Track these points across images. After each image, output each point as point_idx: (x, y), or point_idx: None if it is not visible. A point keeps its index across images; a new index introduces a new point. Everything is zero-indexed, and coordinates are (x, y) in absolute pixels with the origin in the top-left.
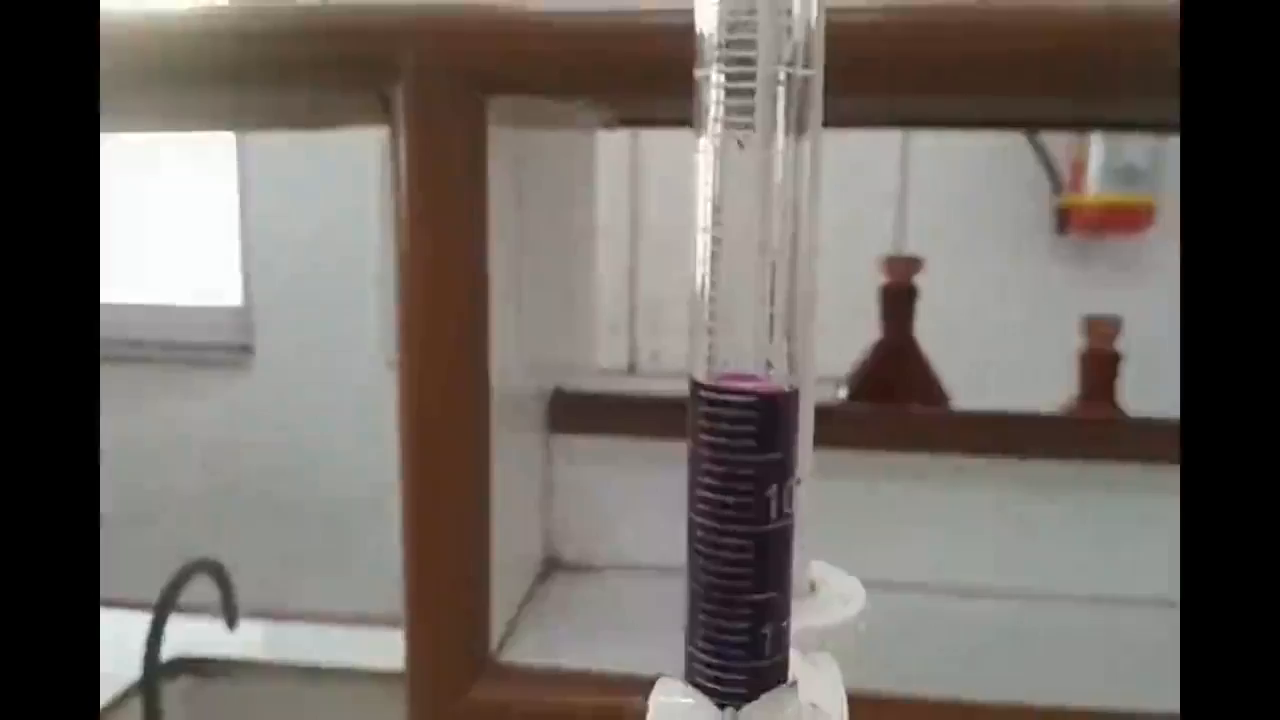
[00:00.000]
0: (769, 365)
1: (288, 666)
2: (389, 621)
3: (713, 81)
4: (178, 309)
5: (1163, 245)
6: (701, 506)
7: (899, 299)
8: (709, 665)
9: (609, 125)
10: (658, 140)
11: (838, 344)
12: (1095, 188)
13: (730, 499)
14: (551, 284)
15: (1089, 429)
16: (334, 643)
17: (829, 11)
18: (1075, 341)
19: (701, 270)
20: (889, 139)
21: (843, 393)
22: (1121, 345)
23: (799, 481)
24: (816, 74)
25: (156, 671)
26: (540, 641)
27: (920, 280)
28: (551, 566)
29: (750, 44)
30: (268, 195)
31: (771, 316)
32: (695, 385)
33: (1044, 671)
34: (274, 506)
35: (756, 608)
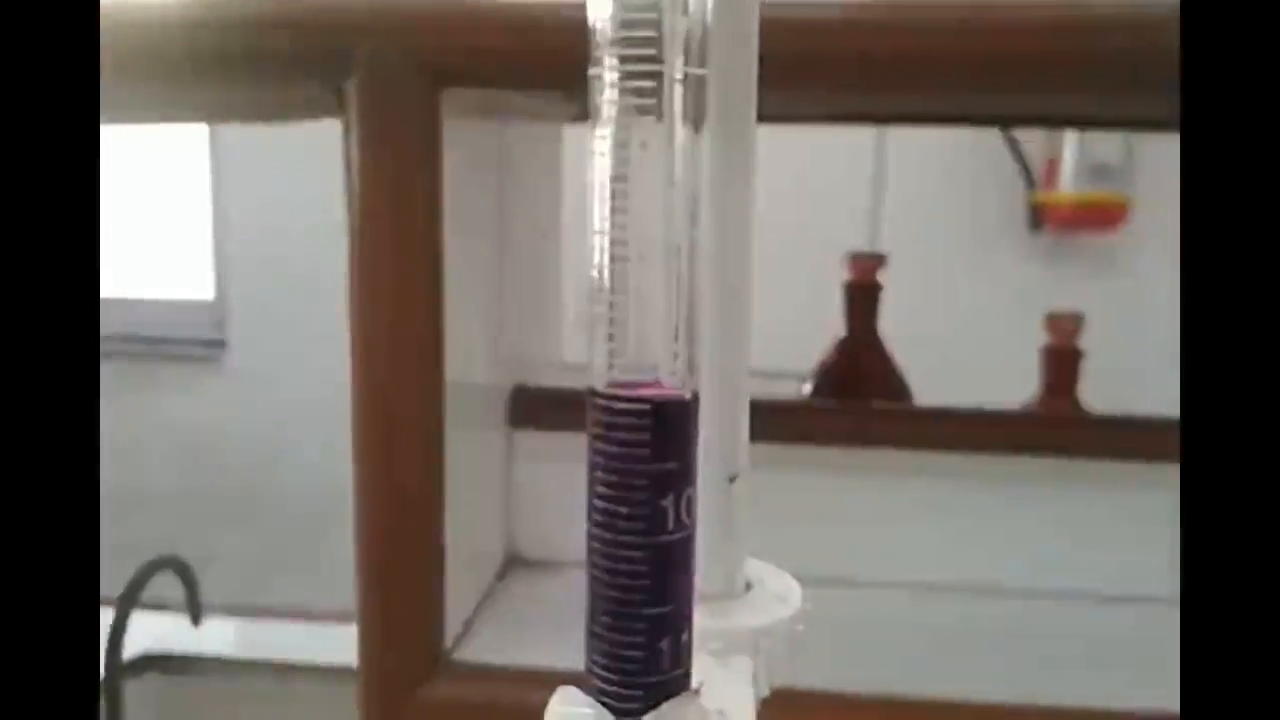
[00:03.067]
0: (671, 371)
1: (255, 663)
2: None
3: (607, 80)
4: (150, 303)
5: (1135, 242)
6: (597, 517)
7: (862, 295)
8: (607, 680)
9: (577, 119)
10: None
11: (808, 339)
12: (1069, 185)
13: (625, 509)
14: (516, 279)
15: (1049, 425)
16: (304, 639)
17: (803, 6)
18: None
19: (598, 273)
20: (863, 135)
21: (807, 388)
22: (1085, 342)
23: (734, 478)
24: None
25: (118, 668)
26: (498, 638)
27: (892, 276)
28: (512, 563)
29: (648, 41)
30: (241, 188)
31: (674, 321)
32: (590, 392)
33: (1003, 667)
34: (246, 502)
35: (653, 622)
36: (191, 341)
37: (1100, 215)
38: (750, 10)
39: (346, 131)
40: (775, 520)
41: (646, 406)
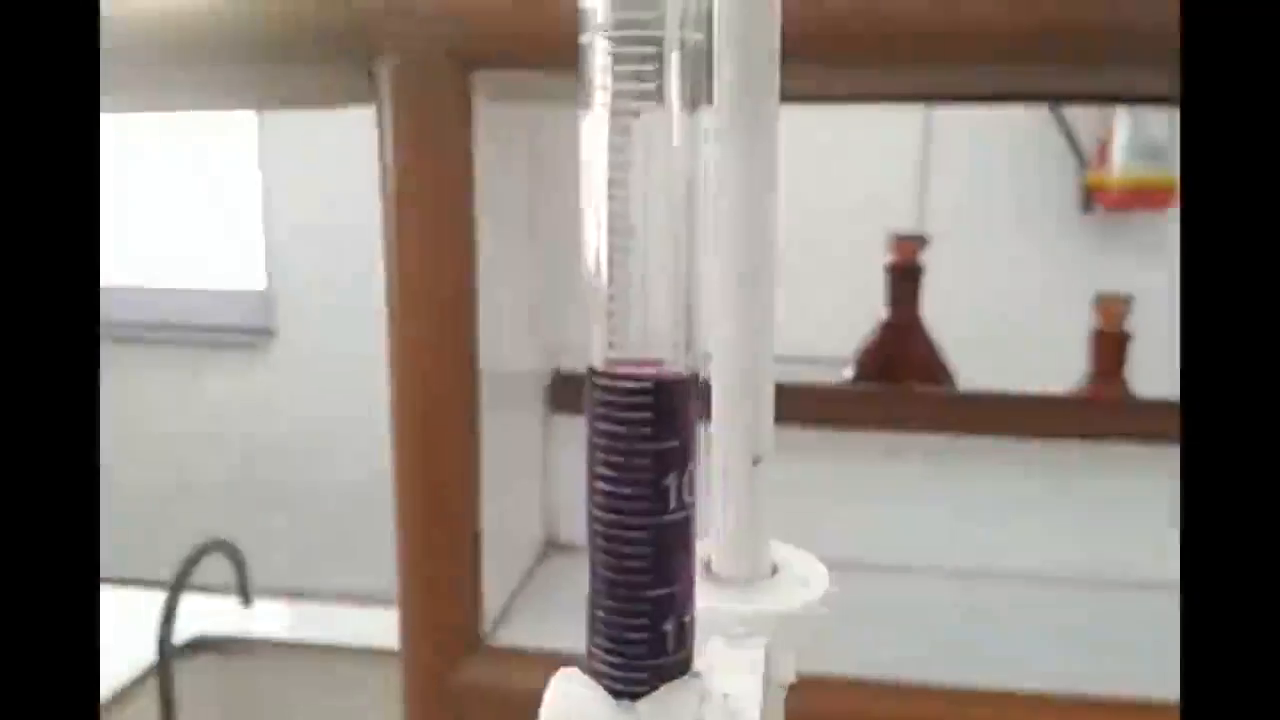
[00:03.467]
0: (670, 350)
1: (304, 644)
2: None
3: (598, 48)
4: (201, 293)
5: None
6: (598, 498)
7: (904, 277)
8: (609, 662)
9: None
10: None
11: (854, 323)
12: (1120, 165)
13: (627, 489)
14: (552, 263)
15: (1095, 409)
16: (351, 622)
17: None
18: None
19: (597, 254)
20: (910, 116)
21: (849, 372)
22: (1135, 324)
23: (758, 460)
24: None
25: (170, 650)
26: (535, 622)
27: (939, 259)
28: (550, 547)
29: (644, 21)
30: (290, 180)
31: (672, 300)
32: (590, 372)
33: (1055, 655)
34: (294, 487)
35: (656, 603)
36: (241, 329)
37: (1152, 195)
38: None
39: (379, 115)
40: (809, 504)
41: (647, 385)
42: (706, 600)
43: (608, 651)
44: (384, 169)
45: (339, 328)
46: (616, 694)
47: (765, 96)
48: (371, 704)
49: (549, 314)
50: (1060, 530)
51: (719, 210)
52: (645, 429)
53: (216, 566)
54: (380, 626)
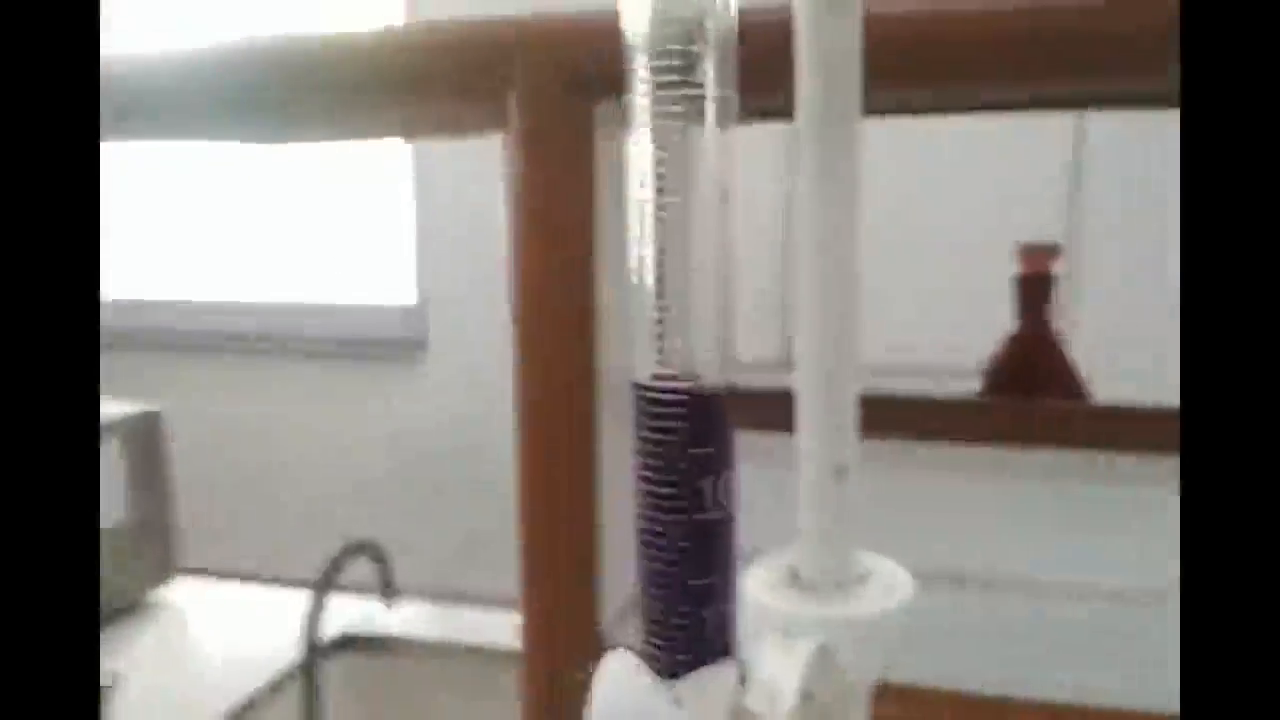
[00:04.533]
0: (706, 364)
1: (446, 645)
2: None
3: (641, 86)
4: (356, 308)
5: None
6: (643, 498)
7: (1034, 288)
8: (653, 644)
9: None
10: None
11: (982, 335)
12: None
13: (665, 490)
14: None
15: None
16: (489, 624)
17: None
18: None
19: (638, 276)
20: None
21: (979, 386)
22: None
23: (842, 471)
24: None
25: (316, 648)
26: None
27: (1091, 269)
28: None
29: (684, 52)
30: (442, 199)
31: (708, 318)
32: (634, 385)
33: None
34: (446, 496)
35: (695, 592)
36: (395, 343)
37: None
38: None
39: (507, 144)
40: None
41: (684, 397)
42: (786, 603)
43: (651, 634)
44: (512, 196)
45: (485, 341)
46: (660, 674)
47: (847, 113)
48: (506, 704)
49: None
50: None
51: (801, 224)
52: (681, 436)
53: (363, 568)
54: (515, 628)
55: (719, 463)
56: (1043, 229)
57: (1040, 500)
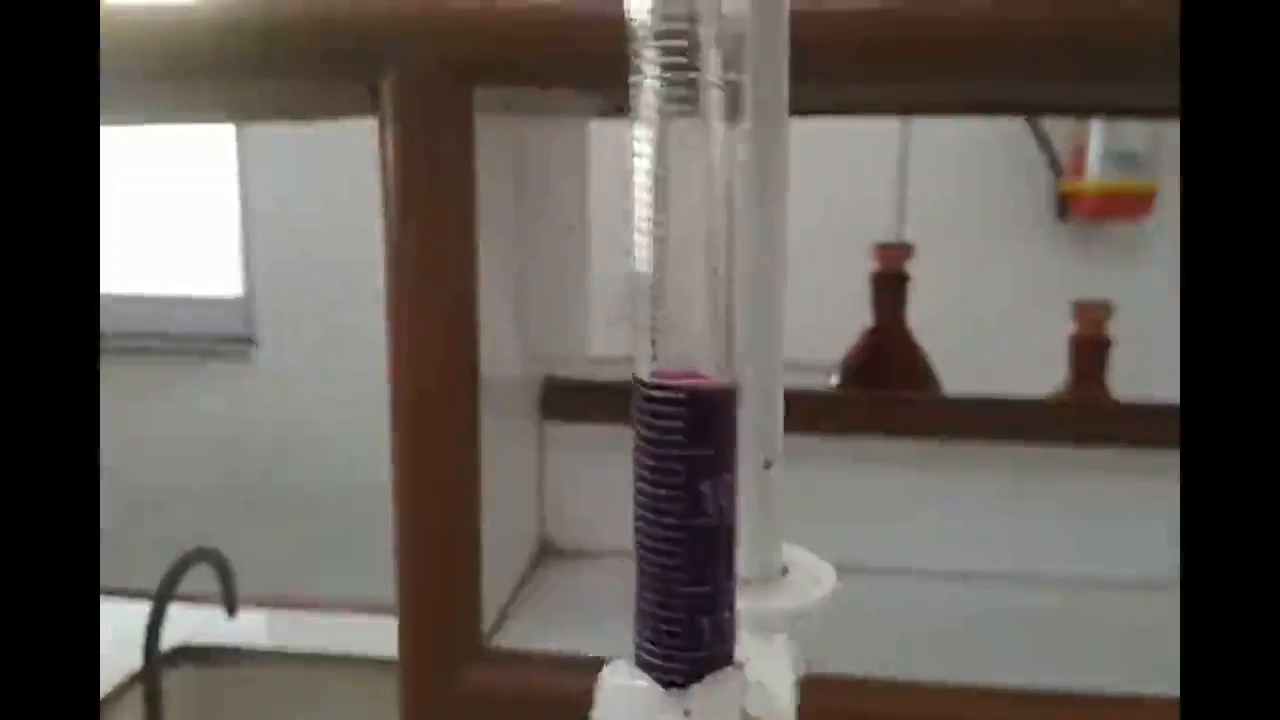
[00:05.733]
0: (710, 361)
1: (290, 654)
2: (393, 610)
3: (646, 78)
4: (179, 300)
5: (1162, 231)
6: (640, 500)
7: (890, 285)
8: (652, 653)
9: (603, 113)
10: None
11: (835, 331)
12: (1095, 173)
13: (662, 492)
14: (540, 274)
15: (1078, 414)
16: (337, 631)
17: None
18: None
19: (640, 267)
20: (888, 125)
21: (835, 379)
22: (1113, 330)
23: (770, 463)
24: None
25: (157, 659)
26: (533, 626)
27: (918, 267)
28: (546, 552)
29: (686, 40)
30: (268, 185)
31: (713, 312)
32: (635, 381)
33: (1033, 654)
34: (278, 497)
35: (693, 599)
36: (221, 338)
37: (1127, 204)
38: (782, 2)
39: (381, 130)
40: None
41: (683, 395)
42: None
43: (651, 643)
44: (385, 182)
45: (318, 335)
46: (661, 682)
47: (779, 113)
48: (356, 713)
49: (536, 322)
50: (1046, 532)
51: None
52: (680, 436)
53: (201, 575)
54: (365, 635)
55: (719, 465)
56: (878, 229)
57: (907, 489)
